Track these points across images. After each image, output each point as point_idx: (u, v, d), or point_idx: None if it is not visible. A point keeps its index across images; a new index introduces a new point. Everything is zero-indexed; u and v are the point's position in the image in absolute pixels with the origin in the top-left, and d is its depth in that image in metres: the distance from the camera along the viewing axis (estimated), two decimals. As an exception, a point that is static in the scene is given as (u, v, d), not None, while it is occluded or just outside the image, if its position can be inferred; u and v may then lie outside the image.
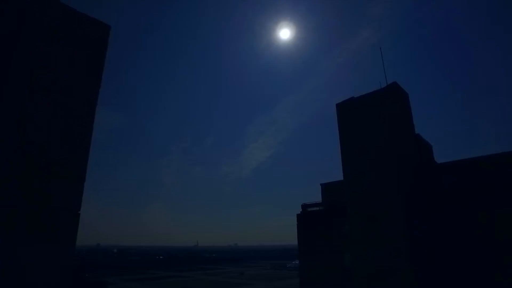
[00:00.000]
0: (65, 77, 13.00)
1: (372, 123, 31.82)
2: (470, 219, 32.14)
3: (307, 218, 41.98)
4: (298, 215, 42.78)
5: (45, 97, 11.52)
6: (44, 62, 12.77)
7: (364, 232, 30.24)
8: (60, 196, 11.32)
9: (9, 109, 11.35)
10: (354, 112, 33.12)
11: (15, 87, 12.13)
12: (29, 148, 11.23)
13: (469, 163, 34.01)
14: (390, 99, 32.11)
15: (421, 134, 35.41)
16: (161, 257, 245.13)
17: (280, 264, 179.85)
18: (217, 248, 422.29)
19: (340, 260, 40.56)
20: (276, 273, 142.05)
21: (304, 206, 43.38)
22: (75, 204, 12.02)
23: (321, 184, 43.57)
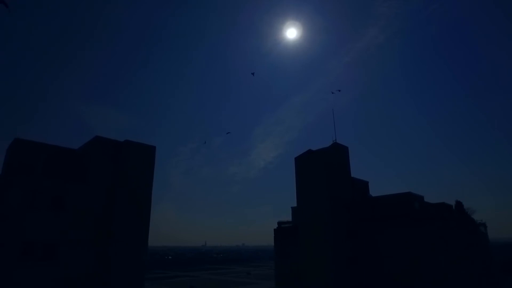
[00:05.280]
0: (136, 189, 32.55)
1: (318, 171, 49.48)
2: (380, 238, 49.23)
3: (281, 232, 60.22)
4: (274, 230, 61.00)
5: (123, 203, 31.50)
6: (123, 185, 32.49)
7: (308, 245, 48.15)
8: (136, 234, 31.49)
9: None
10: (307, 163, 50.90)
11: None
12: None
13: (387, 198, 51.03)
14: (332, 155, 49.75)
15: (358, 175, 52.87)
16: (169, 257, 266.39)
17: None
18: (225, 248, 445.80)
19: (302, 261, 58.32)
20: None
21: (279, 223, 61.64)
22: (145, 235, 31.90)
23: (291, 207, 61.58)
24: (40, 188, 28.08)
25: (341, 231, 47.15)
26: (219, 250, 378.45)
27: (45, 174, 30.60)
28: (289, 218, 65.60)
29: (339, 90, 63.62)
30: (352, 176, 52.47)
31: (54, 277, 27.22)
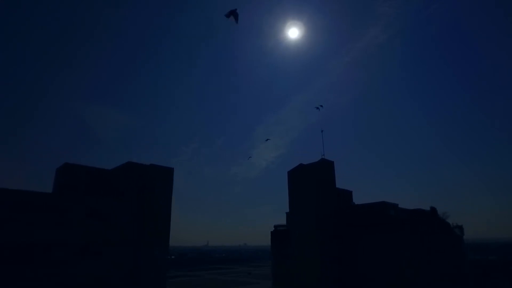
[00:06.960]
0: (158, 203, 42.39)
1: (308, 183, 58.73)
2: (360, 242, 58.36)
3: (277, 234, 69.55)
4: (271, 232, 70.32)
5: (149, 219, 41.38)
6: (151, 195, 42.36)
7: (299, 248, 57.48)
8: (159, 239, 41.38)
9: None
10: (299, 175, 60.17)
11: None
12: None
13: (366, 206, 60.17)
14: (320, 169, 58.99)
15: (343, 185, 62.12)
16: (172, 257, 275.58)
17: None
18: (227, 248, 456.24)
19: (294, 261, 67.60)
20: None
21: (276, 226, 71.03)
22: (166, 240, 41.80)
23: (286, 213, 71.02)
24: (89, 203, 37.44)
25: (328, 236, 56.53)
26: (220, 250, 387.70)
27: (87, 192, 40.04)
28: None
29: (321, 105, 75.21)
30: (342, 184, 61.81)
31: (101, 270, 36.67)
